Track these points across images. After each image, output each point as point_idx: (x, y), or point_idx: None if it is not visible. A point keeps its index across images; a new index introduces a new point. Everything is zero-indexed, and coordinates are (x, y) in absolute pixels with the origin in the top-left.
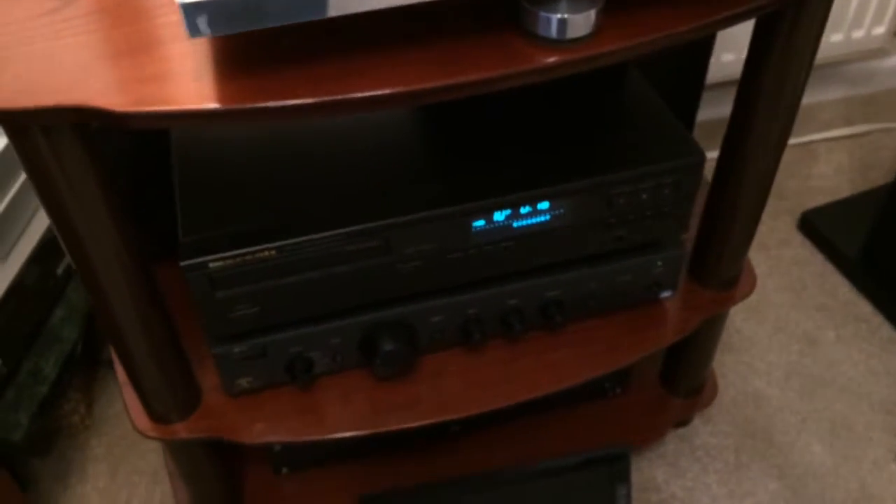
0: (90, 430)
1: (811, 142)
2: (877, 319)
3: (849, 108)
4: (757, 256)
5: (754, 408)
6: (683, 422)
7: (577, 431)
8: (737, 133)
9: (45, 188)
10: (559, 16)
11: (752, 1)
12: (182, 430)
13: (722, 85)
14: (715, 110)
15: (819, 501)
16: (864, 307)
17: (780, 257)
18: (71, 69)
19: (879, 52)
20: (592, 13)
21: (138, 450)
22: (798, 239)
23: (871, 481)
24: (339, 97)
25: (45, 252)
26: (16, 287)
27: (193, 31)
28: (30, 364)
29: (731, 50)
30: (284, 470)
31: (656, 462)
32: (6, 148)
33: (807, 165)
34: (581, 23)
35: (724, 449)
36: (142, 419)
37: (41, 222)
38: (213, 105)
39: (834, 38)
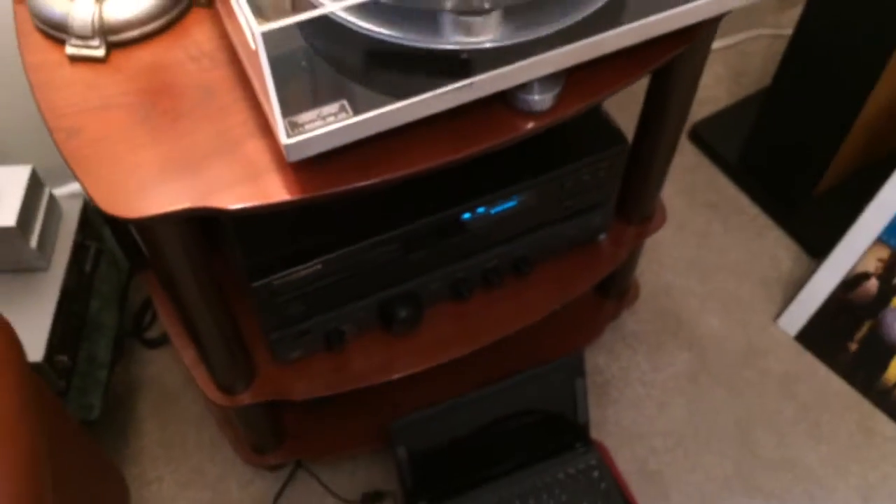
0: (133, 395)
1: None
2: (754, 211)
3: (723, 20)
4: None
5: (666, 297)
6: (615, 317)
7: (542, 338)
8: (651, 116)
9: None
10: (534, 97)
11: (658, 61)
12: (246, 398)
13: None
14: None
15: (719, 361)
16: (744, 201)
17: (675, 166)
18: (181, 170)
19: None
20: (555, 94)
21: (179, 405)
22: (689, 148)
23: (756, 340)
24: (383, 178)
25: (75, 256)
26: (63, 290)
27: (294, 157)
28: (84, 353)
29: None
30: (314, 407)
31: (598, 351)
32: (32, 176)
33: None
34: (548, 101)
35: (647, 333)
36: (213, 392)
37: (68, 230)
38: (293, 196)
39: None
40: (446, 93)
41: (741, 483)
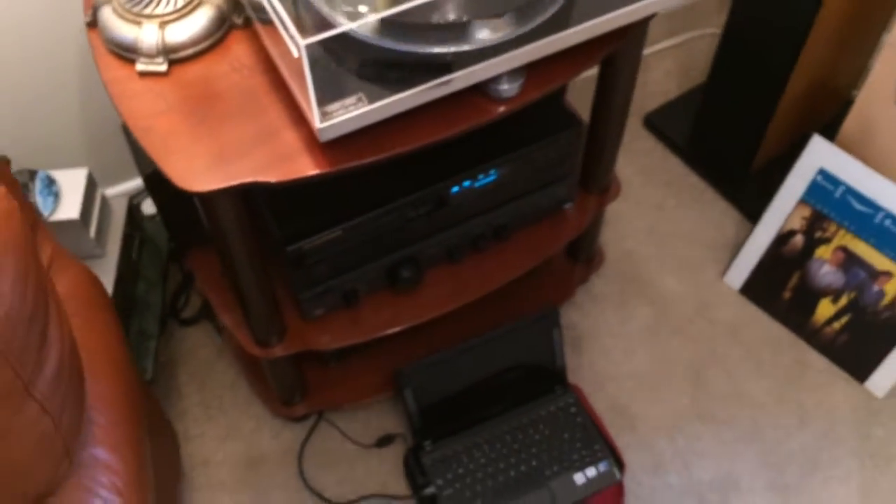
0: (174, 365)
1: (645, 56)
2: (702, 185)
3: (670, 21)
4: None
5: (628, 261)
6: (585, 280)
7: (523, 298)
8: (601, 102)
9: (214, 216)
10: (503, 86)
11: (600, 55)
12: (279, 350)
13: None
14: None
15: (675, 314)
16: (693, 178)
17: (632, 150)
18: (235, 155)
19: None
20: (520, 83)
21: (215, 371)
22: (644, 134)
23: (706, 296)
24: (392, 152)
25: (124, 245)
26: (117, 273)
27: (326, 137)
28: (135, 326)
29: None
30: (332, 363)
31: (571, 310)
32: (88, 177)
33: (644, 75)
34: (515, 89)
35: (613, 293)
36: (252, 347)
37: (117, 223)
38: (324, 170)
39: None
40: (435, 86)
41: (697, 413)
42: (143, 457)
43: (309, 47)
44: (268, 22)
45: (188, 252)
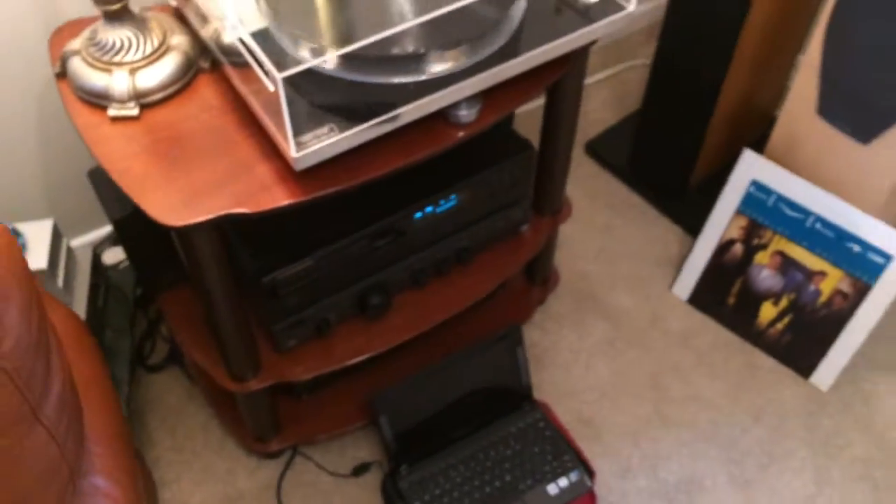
0: (143, 412)
1: (585, 87)
2: (645, 205)
3: (604, 54)
4: None
5: (582, 280)
6: (542, 301)
7: (485, 321)
8: (549, 127)
9: (192, 251)
10: (462, 112)
11: (547, 81)
12: (255, 384)
13: None
14: None
15: (630, 327)
16: (636, 199)
17: (577, 176)
18: (211, 189)
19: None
20: (478, 109)
21: (184, 416)
22: (587, 161)
23: (657, 308)
24: (363, 179)
25: (91, 294)
26: (85, 321)
27: (301, 166)
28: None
29: None
30: (304, 395)
31: (531, 329)
32: (54, 228)
33: (583, 105)
34: (473, 115)
35: (570, 311)
36: (228, 382)
37: (83, 273)
38: (298, 199)
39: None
40: (400, 114)
41: (658, 419)
42: (138, 486)
43: (283, 81)
44: (239, 64)
45: (158, 296)
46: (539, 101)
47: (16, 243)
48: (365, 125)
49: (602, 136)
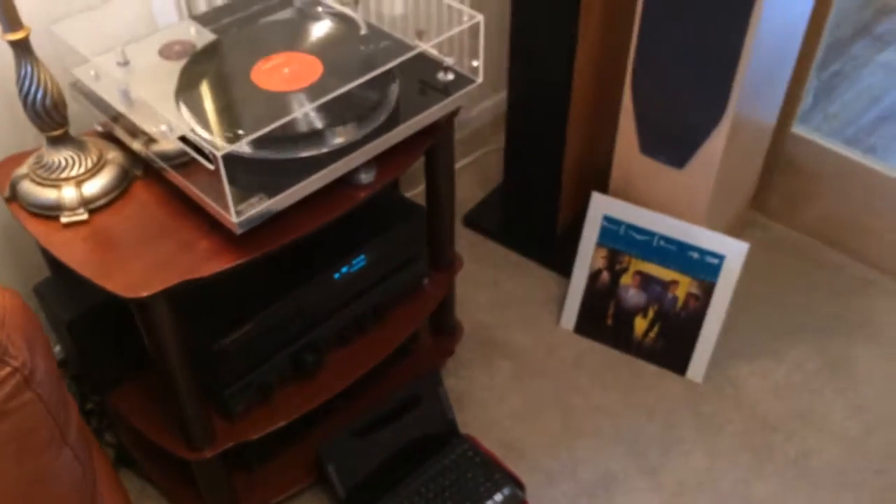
0: None
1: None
2: (522, 260)
3: (464, 146)
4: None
5: (482, 330)
6: (451, 352)
7: (406, 375)
8: (431, 190)
9: (153, 324)
10: (362, 175)
11: (429, 140)
12: (212, 451)
13: None
14: None
15: (530, 361)
16: (514, 256)
17: (462, 245)
18: (164, 265)
19: (470, 82)
20: (374, 172)
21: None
22: (467, 232)
23: (550, 341)
24: (291, 237)
25: None
26: None
27: (242, 229)
28: None
29: None
30: (255, 466)
31: (448, 377)
32: None
33: (456, 187)
34: (371, 177)
35: (477, 357)
36: (188, 452)
37: None
38: (241, 259)
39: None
40: (312, 180)
41: (569, 432)
42: None
43: (221, 158)
44: (177, 166)
45: (107, 394)
46: (421, 186)
47: (18, 294)
48: (286, 192)
49: (475, 209)
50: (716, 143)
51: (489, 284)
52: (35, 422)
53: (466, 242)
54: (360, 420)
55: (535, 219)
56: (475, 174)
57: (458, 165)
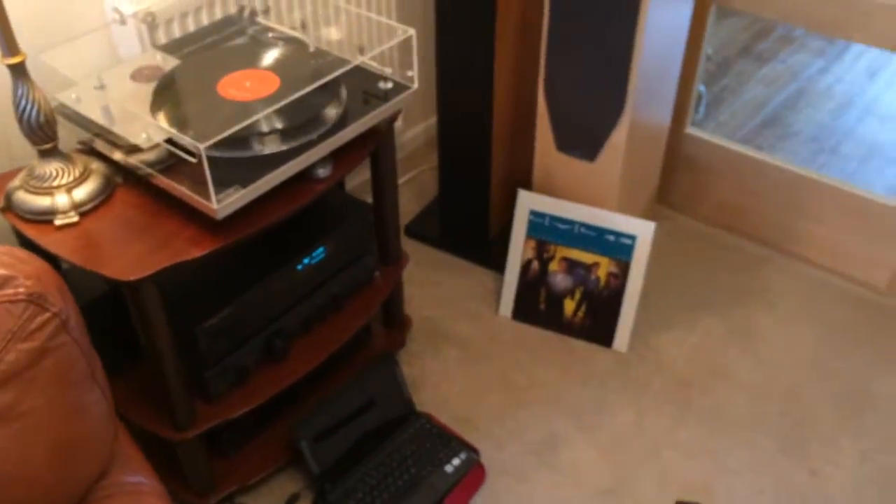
0: None
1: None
2: (461, 261)
3: (402, 165)
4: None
5: (429, 323)
6: (403, 343)
7: (363, 364)
8: (377, 189)
9: (143, 307)
10: (320, 170)
11: (375, 141)
12: (195, 430)
13: None
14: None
15: (474, 347)
16: (453, 259)
17: (407, 250)
18: (152, 252)
19: (406, 88)
20: (330, 167)
21: None
22: (409, 241)
23: (491, 328)
24: (263, 224)
25: None
26: None
27: (222, 215)
28: None
29: None
30: (232, 453)
31: (402, 365)
32: None
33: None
34: (328, 171)
35: (426, 346)
36: (174, 433)
37: None
38: (223, 242)
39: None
40: (277, 174)
41: (514, 404)
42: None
43: (203, 150)
44: (160, 170)
45: None
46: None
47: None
48: (257, 183)
49: (415, 219)
50: (620, 135)
51: (433, 284)
52: (72, 360)
53: (410, 249)
54: (327, 396)
55: (470, 224)
56: (413, 190)
57: (402, 179)
